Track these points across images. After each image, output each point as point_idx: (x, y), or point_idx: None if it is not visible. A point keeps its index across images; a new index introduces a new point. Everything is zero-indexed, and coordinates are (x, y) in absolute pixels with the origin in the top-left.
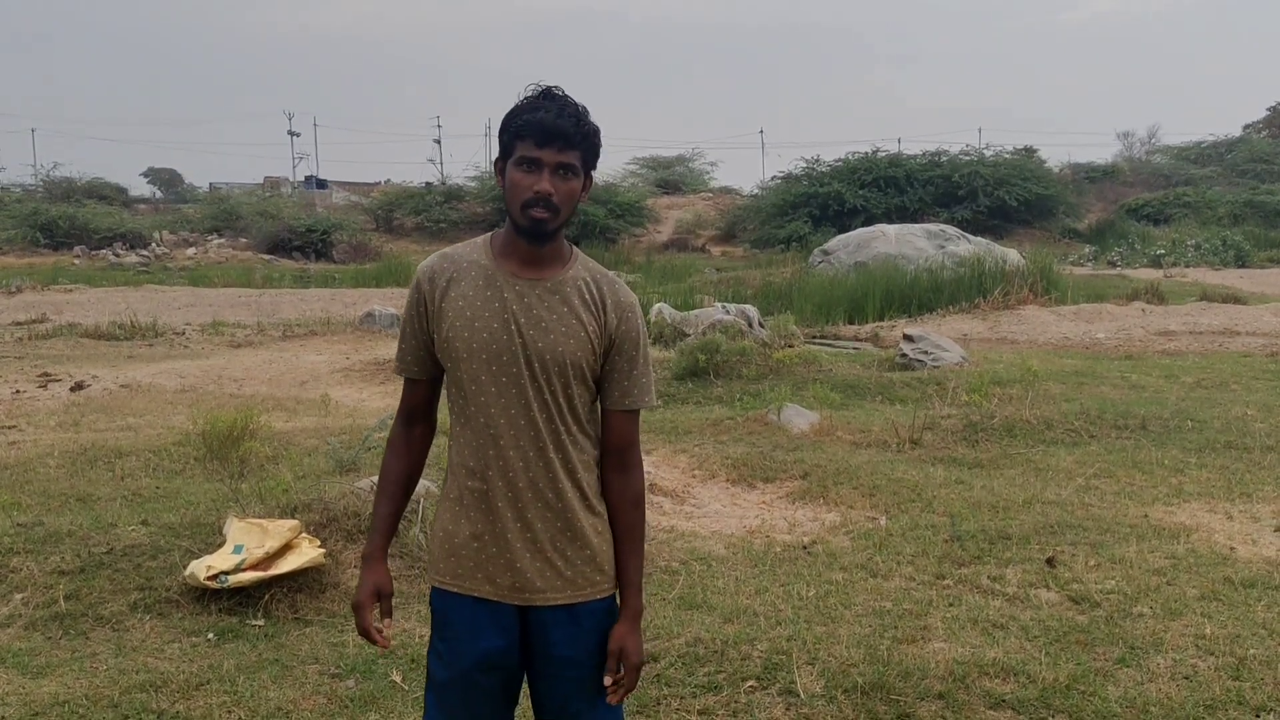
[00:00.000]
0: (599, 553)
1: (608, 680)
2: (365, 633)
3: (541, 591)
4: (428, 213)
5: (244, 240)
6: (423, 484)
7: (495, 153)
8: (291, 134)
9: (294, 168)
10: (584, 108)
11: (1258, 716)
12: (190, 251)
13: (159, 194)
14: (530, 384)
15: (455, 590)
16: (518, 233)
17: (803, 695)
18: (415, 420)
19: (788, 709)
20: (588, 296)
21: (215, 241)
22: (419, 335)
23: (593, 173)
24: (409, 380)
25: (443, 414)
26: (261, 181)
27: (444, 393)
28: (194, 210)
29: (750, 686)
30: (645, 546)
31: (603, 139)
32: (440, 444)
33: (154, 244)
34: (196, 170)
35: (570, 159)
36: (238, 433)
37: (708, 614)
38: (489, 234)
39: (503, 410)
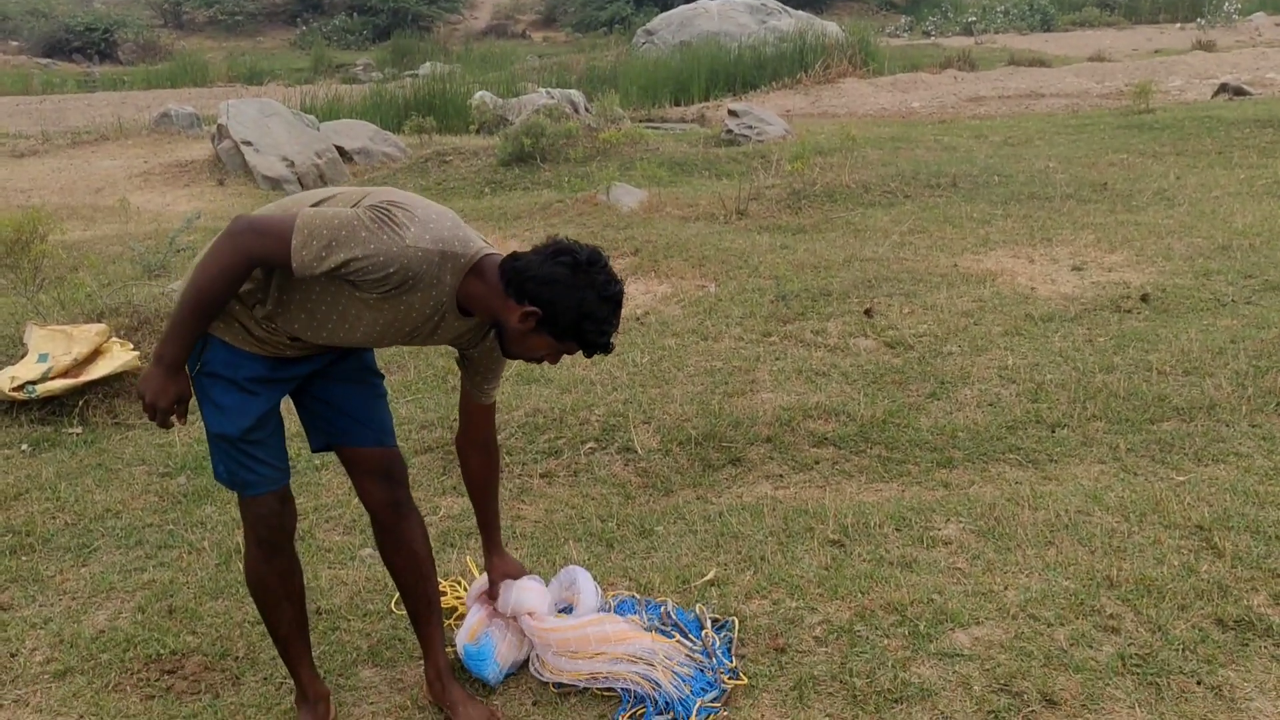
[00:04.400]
0: None
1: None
2: (164, 426)
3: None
4: (220, 4)
5: (15, 43)
6: None
7: None
8: None
9: None
10: None
11: (1053, 432)
12: None
13: None
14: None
15: (255, 351)
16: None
17: (640, 451)
18: (252, 265)
19: (626, 465)
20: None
21: None
22: (338, 255)
23: None
24: (280, 238)
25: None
26: None
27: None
28: None
29: (590, 448)
30: None
31: None
32: None
33: None
34: None
35: None
36: (26, 237)
37: (545, 387)
38: (472, 263)
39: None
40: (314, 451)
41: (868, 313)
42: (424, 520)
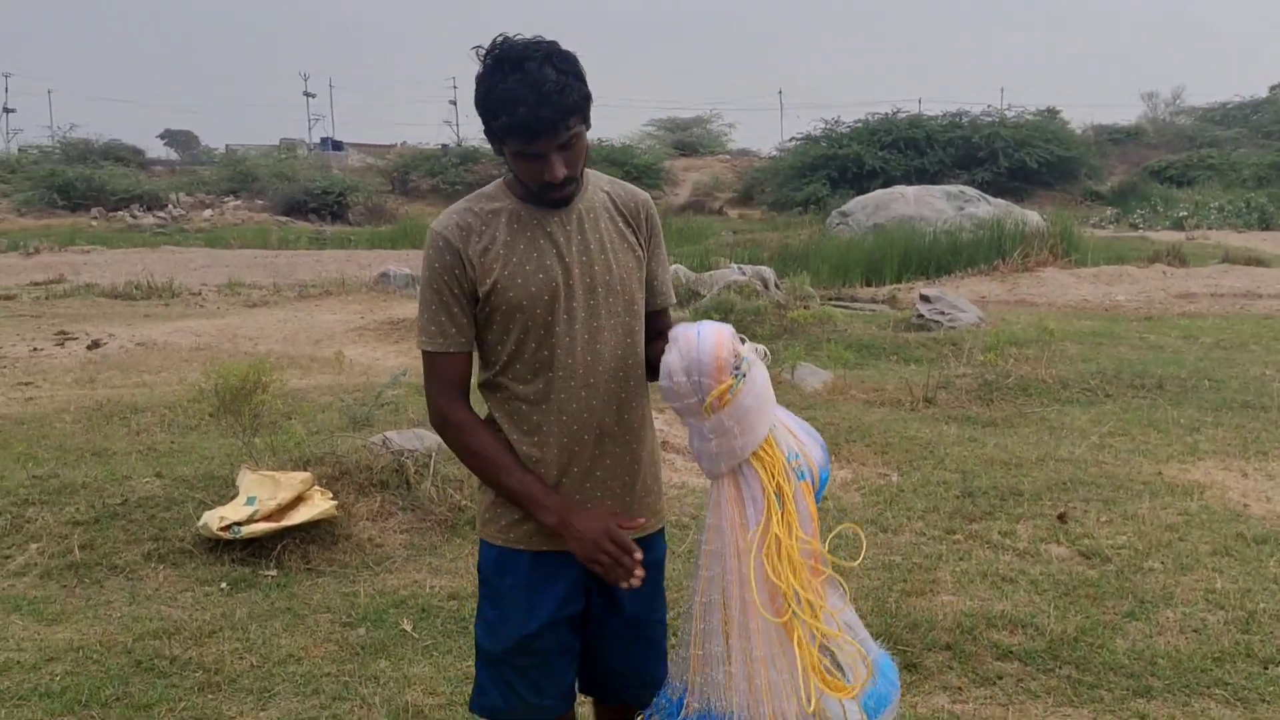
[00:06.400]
0: (656, 481)
1: None
2: (628, 571)
3: None
4: (443, 175)
5: (260, 202)
6: (433, 439)
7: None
8: (307, 95)
9: (310, 129)
10: (559, 65)
11: (1265, 669)
12: (207, 213)
13: (175, 155)
14: (603, 312)
15: (519, 548)
16: (547, 206)
17: None
18: (466, 397)
19: None
20: (616, 209)
21: (231, 203)
22: (462, 298)
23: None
24: (450, 355)
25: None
26: (277, 143)
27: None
28: (210, 172)
29: None
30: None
31: (615, 97)
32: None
33: (170, 205)
34: (213, 132)
35: (569, 133)
36: (250, 387)
37: None
38: (497, 181)
39: (568, 349)
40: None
41: (1061, 518)
42: None
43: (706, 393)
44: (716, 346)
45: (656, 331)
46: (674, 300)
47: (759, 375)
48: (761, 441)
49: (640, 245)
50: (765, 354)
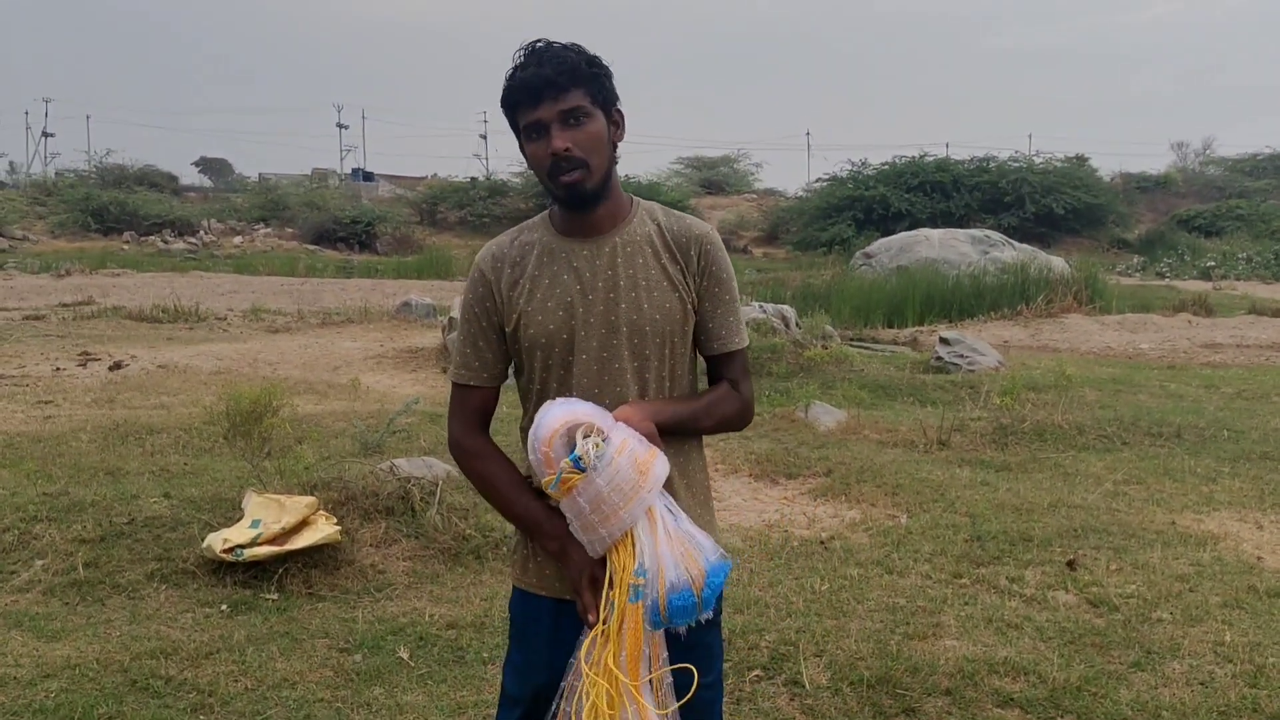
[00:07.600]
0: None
1: None
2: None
3: None
4: (471, 207)
5: (290, 230)
6: (441, 467)
7: None
8: (340, 126)
9: (341, 160)
10: (572, 45)
11: None
12: (237, 240)
13: (209, 182)
14: (626, 353)
15: (543, 594)
16: (565, 206)
17: (808, 686)
18: (486, 428)
19: (792, 699)
20: (664, 243)
21: (262, 231)
22: (490, 332)
23: (618, 106)
24: (474, 389)
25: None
26: (309, 173)
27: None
28: (242, 199)
29: (756, 676)
30: None
31: (643, 134)
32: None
33: (202, 232)
34: (246, 160)
35: (572, 102)
36: (260, 410)
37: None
38: (542, 213)
39: (586, 393)
40: None
41: (1071, 565)
42: None
43: (542, 477)
44: (550, 434)
45: (718, 378)
46: (741, 343)
47: (601, 481)
48: (611, 544)
49: (687, 284)
50: (602, 457)
